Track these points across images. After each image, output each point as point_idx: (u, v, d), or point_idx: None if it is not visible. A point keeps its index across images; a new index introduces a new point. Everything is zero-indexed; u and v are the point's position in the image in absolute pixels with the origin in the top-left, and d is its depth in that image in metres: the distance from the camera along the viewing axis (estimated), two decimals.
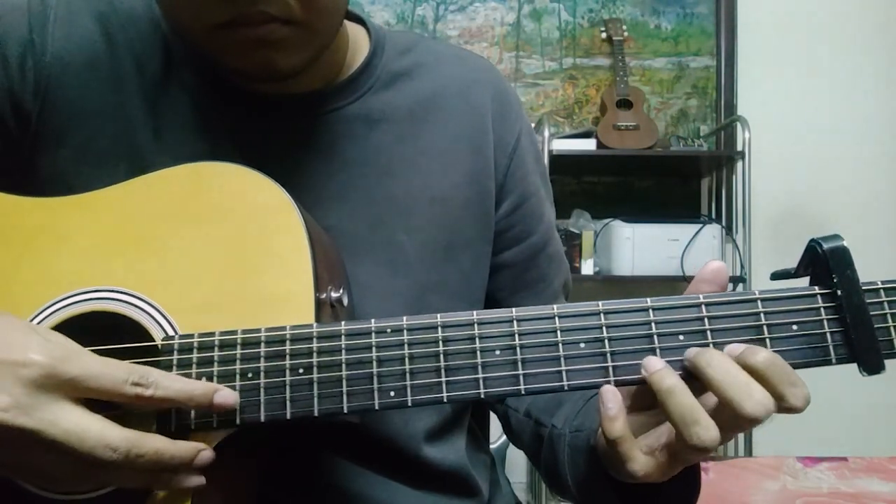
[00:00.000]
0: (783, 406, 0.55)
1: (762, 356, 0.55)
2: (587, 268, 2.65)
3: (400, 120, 0.81)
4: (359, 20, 0.86)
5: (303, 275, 0.63)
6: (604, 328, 0.58)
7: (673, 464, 0.58)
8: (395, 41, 0.85)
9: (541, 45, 2.91)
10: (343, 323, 0.60)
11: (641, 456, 0.58)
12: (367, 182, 0.79)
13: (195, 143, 0.75)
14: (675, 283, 2.60)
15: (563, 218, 2.68)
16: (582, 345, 0.58)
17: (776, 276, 0.62)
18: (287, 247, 0.64)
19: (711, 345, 0.57)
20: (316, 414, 0.58)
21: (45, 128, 0.74)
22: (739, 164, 2.67)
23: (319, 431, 0.72)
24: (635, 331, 0.58)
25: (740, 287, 2.62)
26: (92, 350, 0.58)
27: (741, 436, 2.58)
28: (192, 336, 0.61)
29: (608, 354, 0.58)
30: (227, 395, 0.58)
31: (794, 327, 0.57)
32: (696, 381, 0.56)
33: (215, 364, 0.60)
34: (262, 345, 0.60)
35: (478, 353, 0.59)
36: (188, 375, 0.60)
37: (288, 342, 0.60)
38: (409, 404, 0.58)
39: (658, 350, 0.58)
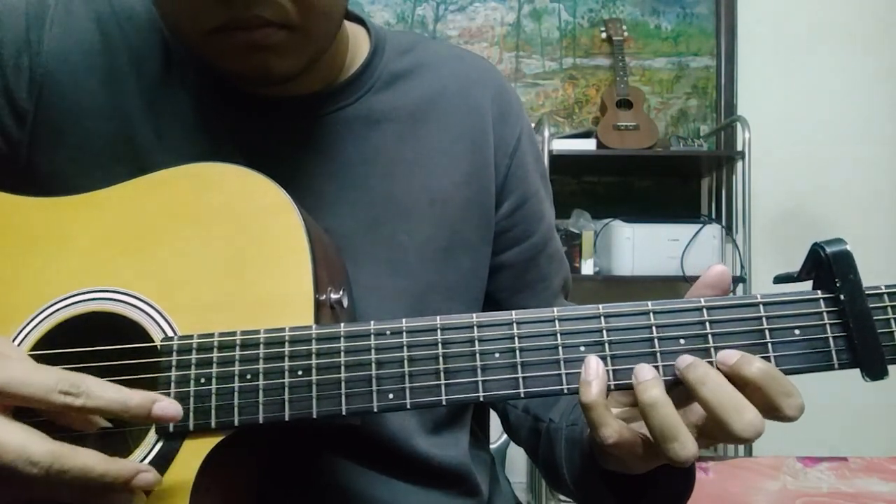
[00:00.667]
0: (777, 416, 0.55)
1: (756, 367, 0.55)
2: (587, 268, 2.65)
3: (400, 120, 0.81)
4: (359, 20, 0.86)
5: (302, 276, 0.62)
6: (604, 331, 0.58)
7: (652, 460, 0.58)
8: (396, 41, 0.85)
9: (541, 45, 2.91)
10: (342, 325, 0.60)
11: (614, 422, 0.57)
12: (367, 183, 0.79)
13: (195, 143, 0.75)
14: (675, 284, 2.60)
15: (563, 218, 2.68)
16: (582, 348, 0.58)
17: (779, 279, 0.62)
18: (287, 248, 0.63)
19: (713, 349, 0.57)
20: (314, 416, 0.58)
21: (43, 127, 0.74)
22: (739, 164, 2.67)
23: (319, 431, 0.72)
24: (636, 334, 0.58)
25: (740, 287, 2.62)
26: (90, 350, 0.58)
27: None
28: (191, 337, 0.61)
29: (608, 358, 0.58)
30: (166, 407, 0.55)
31: (797, 332, 0.57)
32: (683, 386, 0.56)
33: (214, 365, 0.60)
34: (261, 346, 0.60)
35: (477, 355, 0.58)
36: (187, 376, 0.60)
37: (287, 343, 0.59)
38: (408, 406, 0.58)
39: (658, 354, 0.57)
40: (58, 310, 0.64)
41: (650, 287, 2.71)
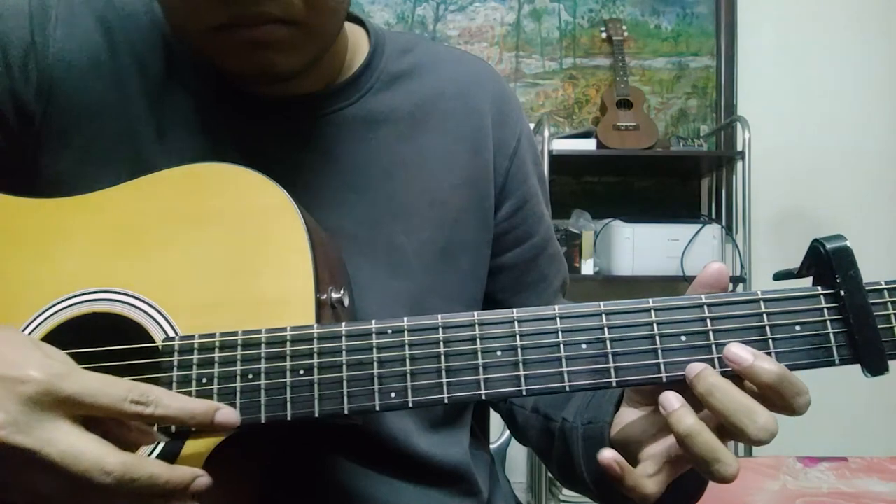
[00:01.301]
0: (789, 413, 0.55)
1: (771, 373, 0.55)
2: (587, 268, 2.65)
3: (400, 121, 0.81)
4: (358, 21, 0.86)
5: (303, 275, 0.62)
6: (605, 329, 0.58)
7: (681, 469, 0.59)
8: (395, 42, 0.85)
9: (541, 45, 2.91)
10: (344, 324, 0.60)
11: (651, 483, 0.58)
12: (366, 183, 0.79)
13: (197, 143, 0.75)
14: (676, 283, 2.60)
15: (563, 218, 2.68)
16: (584, 346, 0.58)
17: (779, 276, 0.62)
18: (287, 247, 0.63)
19: (714, 346, 0.57)
20: (316, 415, 0.58)
21: (49, 129, 0.74)
22: (739, 164, 2.67)
23: (321, 431, 0.72)
24: (637, 332, 0.58)
25: (740, 287, 2.62)
26: (92, 351, 0.58)
27: None
28: (192, 337, 0.61)
29: (610, 355, 0.58)
30: (227, 414, 0.57)
31: (798, 328, 0.57)
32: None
33: (216, 365, 0.60)
34: (263, 346, 0.60)
35: (479, 353, 0.58)
36: (188, 377, 0.60)
37: (288, 343, 0.60)
38: (411, 405, 0.58)
39: (660, 351, 0.57)
40: (59, 310, 0.64)
41: (650, 287, 2.71)
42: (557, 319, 0.59)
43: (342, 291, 0.65)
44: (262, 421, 0.59)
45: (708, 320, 0.58)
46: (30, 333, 0.63)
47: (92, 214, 0.67)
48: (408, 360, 0.59)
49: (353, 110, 0.80)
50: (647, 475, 0.58)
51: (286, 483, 0.73)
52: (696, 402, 0.56)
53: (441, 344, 0.59)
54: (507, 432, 1.60)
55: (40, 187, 0.73)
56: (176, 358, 0.60)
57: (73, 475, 0.51)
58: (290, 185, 0.66)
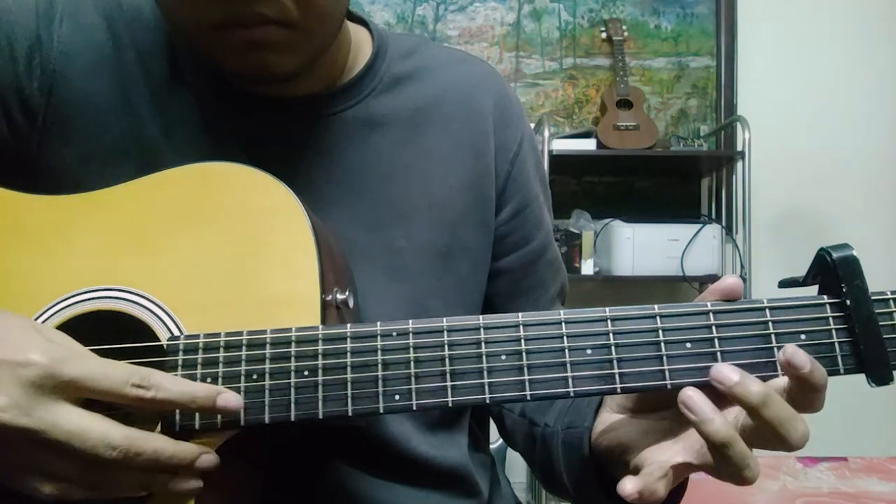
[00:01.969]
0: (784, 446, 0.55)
1: (817, 378, 0.54)
2: (587, 268, 2.65)
3: (401, 124, 0.81)
4: (362, 22, 0.86)
5: (308, 276, 0.63)
6: (611, 334, 0.58)
7: (683, 476, 0.59)
8: (398, 44, 0.85)
9: (541, 45, 2.91)
10: (349, 325, 0.60)
11: (658, 487, 0.57)
12: (367, 186, 0.79)
13: (200, 142, 0.75)
14: (676, 284, 2.60)
15: (563, 218, 2.68)
16: (588, 351, 0.58)
17: (784, 283, 0.62)
18: (293, 248, 0.64)
19: (719, 353, 0.57)
20: (320, 416, 0.58)
21: (53, 124, 0.74)
22: (739, 164, 2.67)
23: (322, 433, 0.72)
24: (642, 338, 0.58)
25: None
26: (97, 349, 0.58)
27: None
28: (197, 336, 0.61)
29: (615, 361, 0.58)
30: (229, 398, 0.57)
31: (803, 336, 0.57)
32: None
33: (220, 365, 0.60)
34: (268, 346, 0.60)
35: (483, 357, 0.58)
36: (193, 376, 0.60)
37: (293, 344, 0.60)
38: (415, 408, 0.58)
39: (665, 358, 0.57)
40: (63, 308, 0.64)
41: (650, 287, 2.71)
42: (563, 324, 0.59)
43: (347, 292, 0.65)
44: (266, 421, 0.59)
45: (713, 327, 0.58)
46: None
47: (98, 212, 0.68)
48: (412, 363, 0.59)
49: (354, 112, 0.80)
50: (656, 479, 0.58)
51: (286, 485, 0.73)
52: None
53: (446, 347, 0.59)
54: None
55: (45, 183, 0.73)
56: (180, 357, 0.60)
57: (81, 452, 0.52)
58: (291, 186, 0.66)
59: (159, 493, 0.57)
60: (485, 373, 0.58)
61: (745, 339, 0.57)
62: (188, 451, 0.56)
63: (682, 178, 2.93)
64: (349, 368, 0.59)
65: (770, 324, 0.58)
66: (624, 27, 2.85)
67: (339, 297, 0.65)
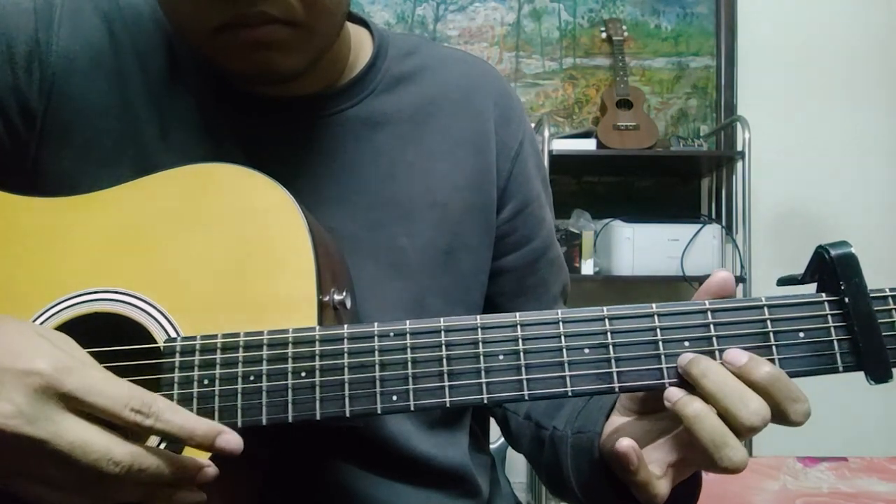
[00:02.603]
0: (783, 420, 0.55)
1: (764, 371, 0.55)
2: (587, 268, 2.65)
3: (402, 123, 0.81)
4: (363, 23, 0.86)
5: (305, 277, 0.62)
6: (608, 334, 0.58)
7: (685, 473, 0.59)
8: (399, 44, 0.85)
9: (541, 45, 2.91)
10: (346, 326, 0.60)
11: (661, 484, 0.58)
12: (368, 185, 0.79)
13: (199, 143, 0.75)
14: (676, 284, 2.60)
15: (563, 218, 2.68)
16: (586, 350, 0.58)
17: (782, 281, 0.62)
18: (290, 249, 0.63)
19: (717, 352, 0.57)
20: (318, 417, 0.58)
21: (51, 126, 0.74)
22: (739, 164, 2.67)
23: (321, 433, 0.72)
24: (640, 337, 0.58)
25: (740, 287, 2.62)
26: (93, 352, 0.58)
27: None
28: (194, 338, 0.61)
29: (612, 360, 0.58)
30: (230, 440, 0.55)
31: (801, 334, 0.57)
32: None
33: (217, 366, 0.60)
34: (265, 347, 0.60)
35: (481, 357, 0.58)
36: (190, 378, 0.59)
37: (290, 345, 0.59)
38: (412, 409, 0.58)
39: (663, 356, 0.57)
40: (61, 310, 0.64)
41: (650, 287, 2.71)
42: (560, 324, 0.58)
43: (344, 293, 0.65)
44: (264, 423, 0.58)
45: (711, 326, 0.58)
46: None
47: (95, 214, 0.67)
48: (410, 363, 0.59)
49: (355, 111, 0.80)
50: (658, 478, 0.58)
51: (285, 485, 0.72)
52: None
53: (443, 347, 0.59)
54: None
55: (42, 186, 0.73)
56: (177, 359, 0.60)
57: (83, 466, 0.51)
58: (291, 186, 0.66)
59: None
60: (483, 373, 0.58)
61: (743, 338, 0.57)
62: (190, 465, 0.55)
63: (682, 178, 2.93)
64: (346, 369, 0.59)
65: (768, 322, 0.57)
66: (624, 27, 2.85)
67: (337, 297, 0.65)
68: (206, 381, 0.59)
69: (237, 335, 0.60)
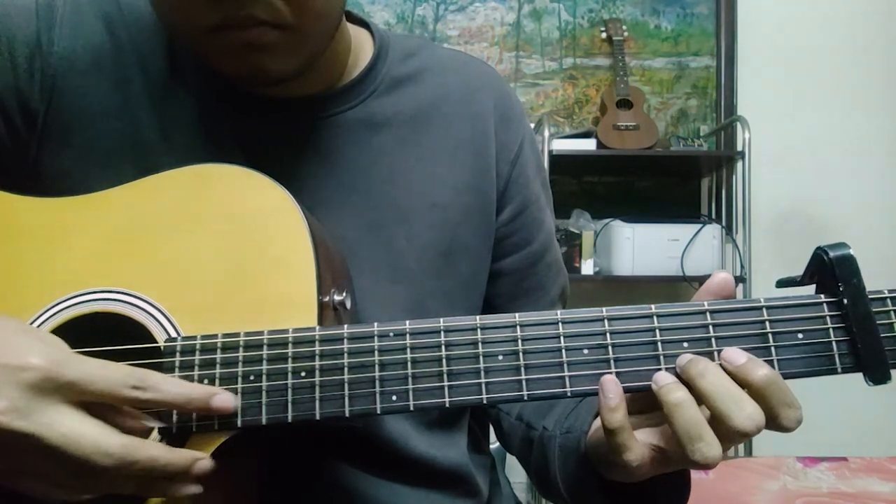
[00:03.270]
0: (775, 425, 0.55)
1: (761, 374, 0.55)
2: (587, 268, 2.65)
3: (402, 125, 0.81)
4: (363, 24, 0.86)
5: (305, 277, 0.63)
6: (607, 334, 0.58)
7: (667, 466, 0.59)
8: (399, 45, 0.85)
9: (541, 45, 2.91)
10: (346, 326, 0.60)
11: (638, 446, 0.57)
12: (367, 187, 0.79)
13: (200, 144, 0.75)
14: (676, 284, 2.60)
15: (563, 218, 2.68)
16: (585, 351, 0.58)
17: (781, 283, 0.62)
18: (290, 249, 0.64)
19: (716, 353, 0.57)
20: (317, 417, 0.58)
21: (52, 127, 0.74)
22: (739, 164, 2.67)
23: (319, 433, 0.72)
24: (639, 337, 0.58)
25: (740, 287, 2.62)
26: (94, 351, 0.58)
27: None
28: (194, 338, 0.61)
29: (611, 361, 0.58)
30: (225, 399, 0.58)
31: (800, 335, 0.57)
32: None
33: (217, 366, 0.60)
34: (265, 347, 0.60)
35: (480, 357, 0.58)
36: (190, 377, 0.60)
37: (290, 345, 0.60)
38: (412, 409, 0.58)
39: (662, 357, 0.58)
40: (62, 310, 0.64)
41: (650, 287, 2.71)
42: (559, 324, 0.59)
43: (344, 293, 0.65)
44: (263, 422, 0.59)
45: (710, 327, 0.58)
46: None
47: (95, 214, 0.68)
48: (409, 364, 0.59)
49: (354, 113, 0.80)
50: (632, 437, 0.57)
51: (284, 485, 0.73)
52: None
53: (443, 347, 0.59)
54: None
55: (43, 186, 0.73)
56: (178, 358, 0.60)
57: (75, 458, 0.52)
58: (291, 187, 0.66)
59: (156, 497, 0.57)
60: (482, 373, 0.58)
61: (742, 339, 0.57)
62: (183, 458, 0.56)
63: (682, 178, 2.93)
64: (346, 369, 0.59)
65: (767, 323, 0.58)
66: (624, 27, 2.85)
67: (337, 298, 0.65)
68: (206, 381, 0.60)
69: (237, 335, 0.60)
